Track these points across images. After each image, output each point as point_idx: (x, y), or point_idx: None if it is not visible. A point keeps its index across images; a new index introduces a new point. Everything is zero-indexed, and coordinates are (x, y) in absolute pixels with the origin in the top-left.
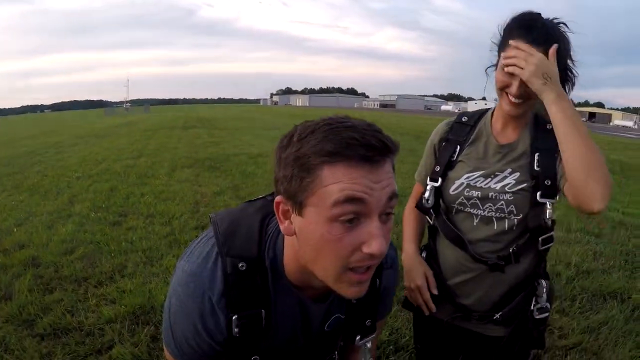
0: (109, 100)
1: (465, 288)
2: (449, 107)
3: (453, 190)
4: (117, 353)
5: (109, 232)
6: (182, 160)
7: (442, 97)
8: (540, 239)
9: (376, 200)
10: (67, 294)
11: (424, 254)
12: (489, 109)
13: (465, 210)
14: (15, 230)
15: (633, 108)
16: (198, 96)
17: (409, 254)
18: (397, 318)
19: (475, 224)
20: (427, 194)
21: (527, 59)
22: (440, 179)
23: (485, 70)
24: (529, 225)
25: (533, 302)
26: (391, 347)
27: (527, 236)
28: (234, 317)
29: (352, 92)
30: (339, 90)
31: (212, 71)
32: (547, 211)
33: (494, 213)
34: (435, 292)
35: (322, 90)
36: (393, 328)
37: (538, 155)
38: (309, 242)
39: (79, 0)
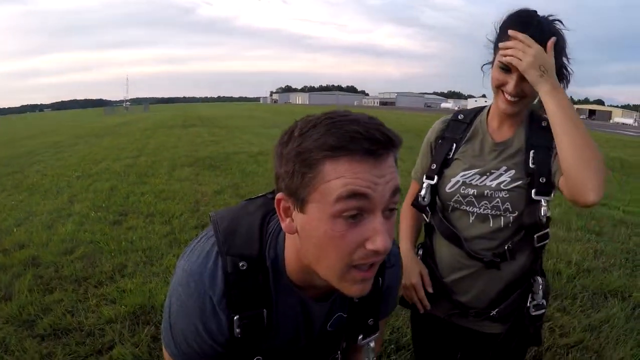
0: (109, 99)
1: (462, 285)
2: (448, 104)
3: (449, 188)
4: (117, 353)
5: (109, 231)
6: (182, 159)
7: (442, 94)
8: (535, 236)
9: (380, 196)
10: (67, 294)
11: (420, 252)
12: (485, 106)
13: (461, 207)
14: (15, 230)
15: (633, 105)
16: (198, 95)
17: (405, 252)
18: (398, 317)
19: (471, 221)
20: (423, 192)
21: (525, 50)
22: (436, 177)
23: (481, 67)
24: (524, 222)
25: (529, 299)
26: (392, 346)
27: (522, 233)
28: (235, 318)
29: (351, 90)
30: (339, 88)
31: (211, 69)
32: (542, 208)
33: (489, 210)
34: (430, 290)
35: (321, 88)
36: (394, 327)
37: (533, 153)
38: (311, 239)
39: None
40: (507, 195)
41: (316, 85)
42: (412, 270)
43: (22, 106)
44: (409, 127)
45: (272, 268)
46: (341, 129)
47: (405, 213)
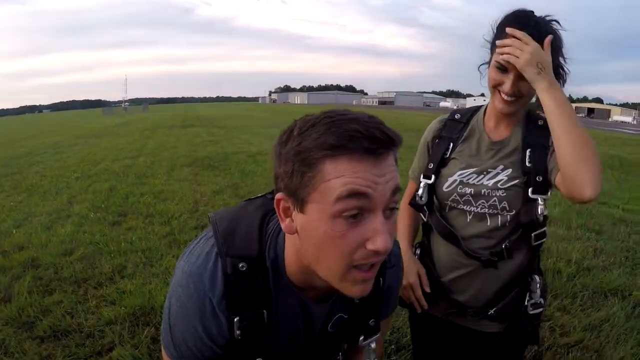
0: (108, 99)
1: (460, 284)
2: (447, 103)
3: (446, 188)
4: (117, 355)
5: (108, 232)
6: (181, 159)
7: (440, 93)
8: (532, 234)
9: (380, 195)
10: (67, 295)
11: (418, 251)
12: (481, 106)
13: (459, 207)
14: (14, 231)
15: (632, 104)
16: (197, 95)
17: (402, 252)
18: (398, 317)
19: (468, 220)
20: (420, 191)
21: (523, 48)
22: (433, 177)
23: (478, 67)
24: (521, 221)
25: (527, 298)
26: (392, 346)
27: (519, 232)
28: (235, 319)
29: (350, 89)
30: (338, 88)
31: (210, 69)
32: (539, 207)
33: (487, 209)
34: (427, 290)
35: (320, 88)
36: (394, 327)
37: (529, 152)
38: (311, 239)
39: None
40: (504, 194)
41: (315, 85)
42: (410, 269)
43: (21, 107)
44: (409, 126)
45: (272, 269)
46: (341, 128)
47: (403, 212)
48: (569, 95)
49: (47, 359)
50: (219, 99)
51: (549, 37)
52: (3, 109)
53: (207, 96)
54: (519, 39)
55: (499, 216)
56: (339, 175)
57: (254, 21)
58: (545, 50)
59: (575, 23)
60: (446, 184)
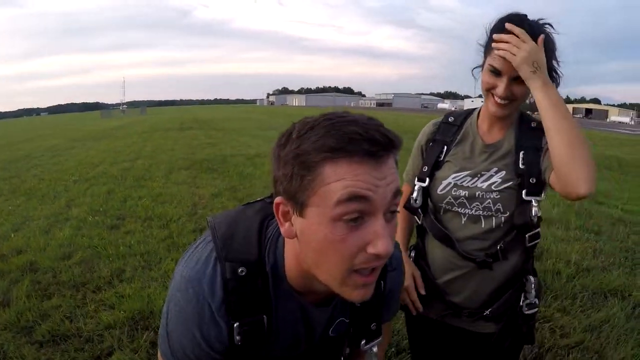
0: (105, 102)
1: (455, 286)
2: (445, 105)
3: (441, 190)
4: (116, 359)
5: (106, 236)
6: (179, 162)
7: (438, 95)
8: (527, 236)
9: (381, 198)
10: (66, 299)
11: (412, 254)
12: (475, 108)
13: (453, 209)
14: (12, 235)
15: (629, 104)
16: (194, 97)
17: None
18: (399, 320)
19: (463, 222)
20: (415, 194)
21: (520, 46)
22: (427, 179)
23: (472, 71)
24: (515, 222)
25: (522, 298)
26: (392, 349)
27: (514, 233)
28: (235, 325)
29: (348, 91)
30: (336, 90)
31: (208, 72)
32: (533, 208)
33: (481, 211)
34: (422, 292)
35: (318, 90)
36: (394, 330)
37: (523, 154)
38: (311, 244)
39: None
40: (498, 196)
41: (313, 87)
42: (405, 272)
43: (19, 110)
44: (407, 128)
45: (271, 273)
46: (340, 130)
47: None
48: (567, 96)
49: None
50: (217, 102)
51: (542, 36)
52: (1, 112)
53: (205, 98)
54: (517, 36)
55: (494, 218)
56: (339, 179)
57: (251, 23)
58: (539, 48)
59: (574, 23)
60: (440, 187)
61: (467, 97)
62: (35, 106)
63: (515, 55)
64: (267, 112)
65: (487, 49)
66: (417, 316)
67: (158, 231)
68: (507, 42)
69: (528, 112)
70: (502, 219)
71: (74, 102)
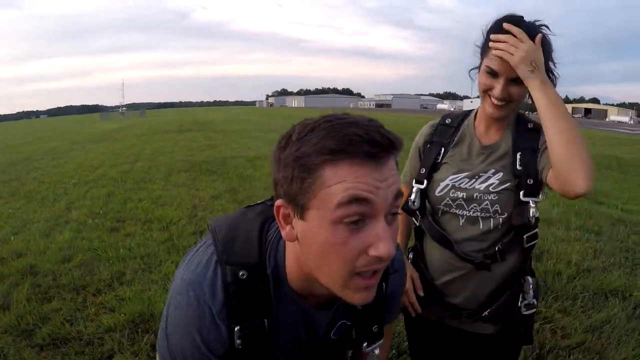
0: (105, 104)
1: (453, 287)
2: (444, 105)
3: (438, 192)
4: None
5: (106, 238)
6: (179, 164)
7: (438, 95)
8: (524, 236)
9: (382, 200)
10: (66, 302)
11: (411, 255)
12: (472, 110)
13: (451, 211)
14: (12, 238)
15: (629, 103)
16: (194, 99)
17: None
18: (399, 322)
19: (461, 224)
20: (412, 196)
21: (518, 45)
22: (425, 181)
23: (469, 72)
24: (513, 223)
25: (520, 299)
26: (393, 351)
27: (512, 234)
28: (236, 328)
29: (347, 92)
30: (335, 91)
31: (207, 74)
32: (531, 209)
33: (479, 213)
34: (421, 293)
35: (317, 91)
36: (395, 332)
37: (520, 155)
38: (312, 247)
39: (71, 5)
40: (496, 197)
41: (312, 89)
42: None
43: (19, 112)
44: (407, 129)
45: (272, 276)
46: (340, 132)
47: None
48: (566, 95)
49: None
50: (216, 103)
51: (539, 35)
52: (1, 115)
53: (205, 100)
54: (514, 36)
55: (491, 219)
56: (339, 181)
57: (250, 25)
58: (537, 47)
59: (574, 23)
60: (438, 189)
61: (467, 97)
62: (34, 109)
63: (513, 54)
64: (267, 113)
65: (484, 50)
66: (416, 318)
67: (158, 234)
68: (504, 42)
69: (527, 112)
70: (500, 220)
71: (74, 104)
